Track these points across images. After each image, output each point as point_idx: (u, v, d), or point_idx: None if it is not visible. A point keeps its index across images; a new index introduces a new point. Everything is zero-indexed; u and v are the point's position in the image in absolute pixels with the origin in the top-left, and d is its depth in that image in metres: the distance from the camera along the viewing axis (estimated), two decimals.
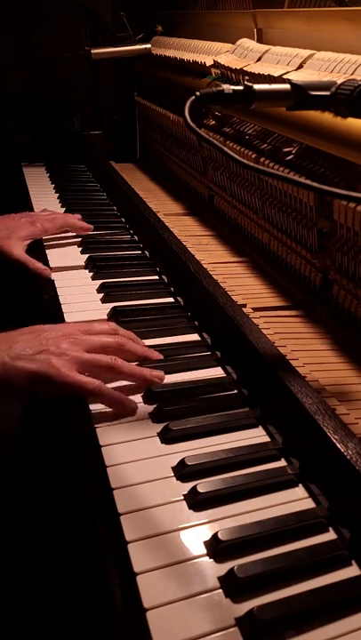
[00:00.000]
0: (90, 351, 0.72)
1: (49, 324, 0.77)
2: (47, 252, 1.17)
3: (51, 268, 1.09)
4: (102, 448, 0.63)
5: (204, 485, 0.57)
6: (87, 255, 1.14)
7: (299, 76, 0.86)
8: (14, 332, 0.73)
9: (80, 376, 0.68)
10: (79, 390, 0.67)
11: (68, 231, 1.22)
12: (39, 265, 1.08)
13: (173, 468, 0.60)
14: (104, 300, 0.97)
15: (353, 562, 0.51)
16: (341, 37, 0.90)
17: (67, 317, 0.91)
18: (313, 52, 0.90)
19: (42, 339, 0.71)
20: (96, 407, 0.69)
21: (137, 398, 0.71)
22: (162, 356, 0.79)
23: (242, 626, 0.45)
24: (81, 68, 1.99)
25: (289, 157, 0.87)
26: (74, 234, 1.23)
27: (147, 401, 0.71)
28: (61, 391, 0.68)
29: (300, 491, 0.58)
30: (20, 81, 2.07)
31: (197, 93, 0.61)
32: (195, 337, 0.87)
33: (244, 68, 0.99)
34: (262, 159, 0.93)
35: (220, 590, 0.48)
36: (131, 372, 0.72)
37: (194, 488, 0.56)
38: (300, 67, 0.90)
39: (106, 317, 0.92)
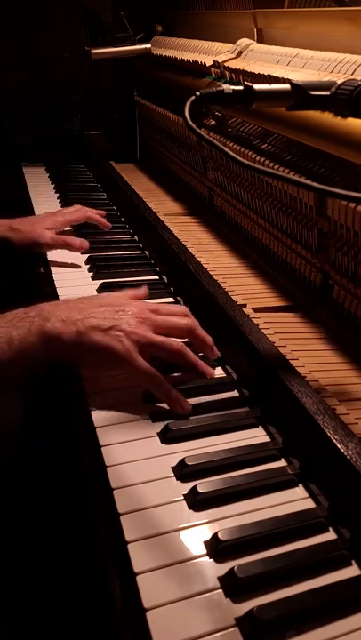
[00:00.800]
0: (159, 331, 0.73)
1: (118, 295, 0.81)
2: (48, 252, 1.17)
3: (51, 263, 1.11)
4: (102, 448, 0.63)
5: (204, 485, 0.57)
6: (87, 255, 1.14)
7: (299, 76, 0.86)
8: (87, 301, 0.75)
9: (146, 364, 0.69)
10: (142, 377, 0.69)
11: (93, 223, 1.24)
12: (77, 240, 1.13)
13: (173, 468, 0.60)
14: None
15: (353, 562, 0.51)
16: (341, 37, 0.90)
17: None
18: (313, 51, 0.90)
19: (115, 314, 0.72)
20: (97, 408, 0.69)
21: (136, 398, 0.71)
22: (219, 354, 0.79)
23: (242, 626, 0.45)
24: (81, 68, 1.99)
25: (287, 157, 0.87)
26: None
27: (147, 401, 0.71)
28: (124, 370, 0.70)
29: (300, 491, 0.58)
30: (20, 81, 2.07)
31: (197, 93, 0.61)
32: None
33: (244, 68, 0.99)
34: (262, 159, 0.93)
35: (220, 590, 0.48)
36: (195, 362, 0.73)
37: (194, 488, 0.56)
38: (301, 66, 0.90)
39: None
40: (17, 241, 1.11)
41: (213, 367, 0.77)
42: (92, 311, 0.72)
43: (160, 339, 0.72)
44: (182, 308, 0.80)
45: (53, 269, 1.09)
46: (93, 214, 1.25)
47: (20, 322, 0.69)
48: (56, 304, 0.74)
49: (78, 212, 1.23)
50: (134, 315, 0.73)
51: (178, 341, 0.73)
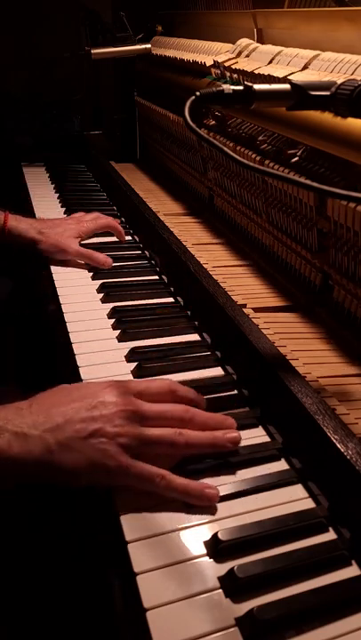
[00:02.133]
0: (148, 424, 0.59)
1: (95, 385, 0.62)
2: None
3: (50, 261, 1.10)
4: None
5: None
6: None
7: (299, 76, 0.86)
8: (52, 395, 0.60)
9: (146, 467, 0.56)
10: (142, 484, 0.56)
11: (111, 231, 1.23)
12: (101, 256, 1.10)
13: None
14: (104, 300, 0.97)
15: (353, 562, 0.51)
16: (341, 37, 0.90)
17: (67, 317, 0.91)
18: (313, 52, 0.90)
19: (92, 410, 0.57)
20: None
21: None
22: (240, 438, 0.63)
23: (242, 626, 0.45)
24: (81, 67, 1.99)
25: (294, 160, 0.86)
26: None
27: None
28: (121, 482, 0.56)
29: (300, 491, 0.58)
30: (20, 81, 2.07)
31: (197, 93, 0.61)
32: (195, 337, 0.87)
33: (244, 68, 0.99)
34: (262, 159, 0.93)
35: (220, 590, 0.48)
36: (200, 444, 0.60)
37: None
38: (301, 67, 0.90)
39: (106, 317, 0.92)
40: (44, 246, 1.10)
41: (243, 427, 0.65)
42: (61, 411, 0.56)
43: (149, 435, 0.57)
44: (171, 387, 0.64)
45: (53, 269, 1.09)
46: (115, 222, 1.23)
47: None
48: (20, 411, 0.56)
49: (100, 219, 1.22)
50: (116, 407, 0.58)
51: (170, 432, 0.59)
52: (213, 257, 1.06)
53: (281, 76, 0.87)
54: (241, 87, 0.60)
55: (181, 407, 0.62)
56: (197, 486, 0.56)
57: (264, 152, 0.95)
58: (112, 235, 1.24)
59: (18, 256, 1.19)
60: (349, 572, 0.50)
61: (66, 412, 0.56)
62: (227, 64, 1.08)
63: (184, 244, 1.06)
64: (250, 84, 0.60)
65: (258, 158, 0.95)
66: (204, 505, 0.55)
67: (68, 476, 0.55)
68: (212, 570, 0.50)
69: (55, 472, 0.54)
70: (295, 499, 0.57)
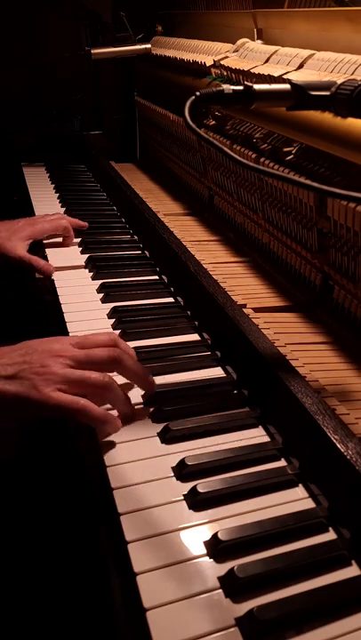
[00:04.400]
0: (79, 367, 0.65)
1: (39, 339, 0.68)
2: (47, 251, 1.17)
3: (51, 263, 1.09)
4: (102, 448, 0.63)
5: (204, 485, 0.57)
6: (87, 255, 1.14)
7: (299, 76, 0.86)
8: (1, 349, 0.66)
9: (64, 396, 0.61)
10: (63, 412, 0.61)
11: (64, 233, 1.21)
12: (42, 262, 1.08)
13: (173, 468, 0.60)
14: (104, 300, 0.97)
15: (353, 562, 0.51)
16: (341, 37, 0.90)
17: (67, 317, 0.91)
18: (313, 52, 0.90)
19: (26, 356, 0.64)
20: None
21: (137, 398, 0.71)
22: (155, 387, 0.71)
23: (242, 626, 0.45)
24: (81, 68, 1.99)
25: (289, 157, 0.87)
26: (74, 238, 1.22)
27: (147, 401, 0.71)
28: (45, 414, 0.61)
29: (300, 491, 0.58)
30: (20, 81, 2.07)
31: (197, 93, 0.61)
32: (195, 337, 0.87)
33: (244, 68, 0.99)
34: (262, 159, 0.93)
35: (220, 590, 0.48)
36: (120, 395, 0.66)
37: (194, 488, 0.56)
38: (301, 67, 0.90)
39: (106, 317, 0.92)
40: None
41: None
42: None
43: (77, 373, 0.63)
44: (110, 337, 0.70)
45: (54, 273, 1.08)
46: (69, 226, 1.20)
47: None
48: None
49: (55, 220, 1.19)
50: (52, 352, 0.65)
51: (97, 374, 0.64)
52: (213, 257, 1.06)
53: (281, 76, 0.87)
54: (241, 87, 0.60)
55: (110, 349, 0.67)
56: (106, 414, 0.63)
57: (260, 150, 0.95)
58: (115, 234, 1.24)
59: None
60: (349, 572, 0.50)
61: (3, 356, 0.64)
62: (227, 64, 1.08)
63: (184, 243, 1.06)
64: (250, 84, 0.60)
65: (254, 156, 0.95)
66: (103, 430, 0.63)
67: None
68: (212, 570, 0.50)
69: None
70: (295, 499, 0.57)
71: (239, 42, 1.14)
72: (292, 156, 0.86)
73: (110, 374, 0.67)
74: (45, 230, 1.17)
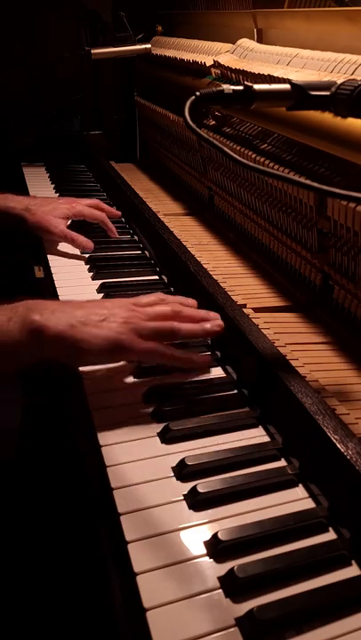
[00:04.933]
0: (150, 320, 0.72)
1: (102, 300, 0.78)
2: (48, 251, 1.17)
3: (51, 263, 1.10)
4: (102, 448, 0.63)
5: (204, 485, 0.57)
6: (87, 255, 1.14)
7: (299, 76, 0.85)
8: (68, 303, 0.72)
9: (149, 343, 0.69)
10: (152, 356, 0.70)
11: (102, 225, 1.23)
12: (82, 239, 1.13)
13: (173, 468, 0.60)
14: None
15: (353, 562, 0.51)
16: (341, 37, 0.90)
17: None
18: (313, 51, 0.90)
19: (104, 309, 0.71)
20: (97, 409, 0.69)
21: (136, 398, 0.71)
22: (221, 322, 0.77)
23: (242, 626, 0.45)
24: (81, 68, 1.99)
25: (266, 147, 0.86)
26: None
27: (147, 401, 0.71)
28: (132, 358, 0.71)
29: (300, 491, 0.58)
30: (20, 81, 2.07)
31: (197, 93, 0.61)
32: None
33: (244, 68, 0.99)
34: (262, 159, 0.93)
35: (220, 590, 0.48)
36: (190, 332, 0.73)
37: (194, 488, 0.56)
38: (301, 67, 0.90)
39: None
40: (30, 224, 1.12)
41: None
42: (76, 308, 0.70)
43: (152, 324, 0.71)
44: (158, 296, 0.78)
45: (53, 269, 1.09)
46: (107, 219, 1.23)
47: (1, 311, 0.66)
48: (44, 301, 0.71)
49: (94, 210, 1.22)
50: (123, 307, 0.72)
51: (168, 323, 0.73)
52: (213, 257, 1.06)
53: (281, 75, 0.87)
54: (241, 87, 0.60)
55: (170, 303, 0.76)
56: (190, 354, 0.75)
57: (260, 150, 0.95)
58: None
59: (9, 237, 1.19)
60: (349, 572, 0.50)
61: (83, 306, 0.70)
62: (227, 64, 1.08)
63: (184, 243, 1.06)
64: (250, 84, 0.60)
65: (254, 156, 0.95)
66: (193, 368, 0.75)
67: (78, 351, 0.66)
68: (212, 570, 0.50)
69: (68, 346, 0.65)
70: (295, 499, 0.57)
71: (239, 42, 1.14)
72: (270, 147, 0.85)
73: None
74: (81, 213, 1.20)
